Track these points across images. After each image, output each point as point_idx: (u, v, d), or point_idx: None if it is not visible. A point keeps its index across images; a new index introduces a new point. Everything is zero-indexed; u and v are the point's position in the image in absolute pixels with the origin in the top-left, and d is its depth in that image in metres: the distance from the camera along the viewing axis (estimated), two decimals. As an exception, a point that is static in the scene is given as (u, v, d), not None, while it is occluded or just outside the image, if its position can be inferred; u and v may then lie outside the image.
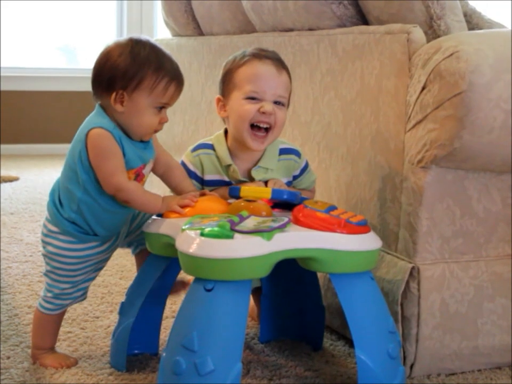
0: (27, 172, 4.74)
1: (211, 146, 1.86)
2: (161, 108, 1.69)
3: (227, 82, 1.83)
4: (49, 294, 1.78)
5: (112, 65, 1.65)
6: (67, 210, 1.71)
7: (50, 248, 1.75)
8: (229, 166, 1.83)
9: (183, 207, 1.69)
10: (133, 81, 1.64)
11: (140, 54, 1.65)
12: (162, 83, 1.66)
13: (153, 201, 1.69)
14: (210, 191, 1.80)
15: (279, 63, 1.81)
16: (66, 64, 6.06)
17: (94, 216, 1.70)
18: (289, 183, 1.88)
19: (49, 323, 1.81)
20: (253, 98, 1.77)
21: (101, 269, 1.84)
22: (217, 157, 1.84)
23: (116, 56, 1.65)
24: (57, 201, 1.73)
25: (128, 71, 1.64)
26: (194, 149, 1.86)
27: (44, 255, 1.78)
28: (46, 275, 1.79)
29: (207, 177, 1.85)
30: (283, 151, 1.88)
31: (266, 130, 1.79)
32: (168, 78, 1.66)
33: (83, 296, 1.83)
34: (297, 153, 1.89)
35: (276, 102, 1.78)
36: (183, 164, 1.85)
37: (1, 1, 5.57)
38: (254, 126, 1.78)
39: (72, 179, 1.69)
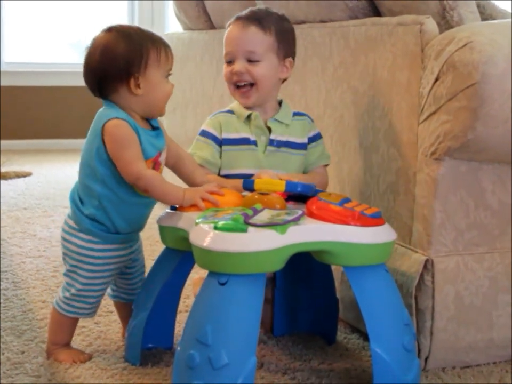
0: (40, 167, 4.75)
1: (230, 110, 1.93)
2: (168, 75, 1.74)
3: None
4: (66, 294, 1.78)
5: (115, 57, 1.67)
6: (88, 207, 1.71)
7: (70, 246, 1.75)
8: (249, 116, 1.88)
9: (204, 200, 1.67)
10: (141, 61, 1.67)
11: (132, 35, 1.69)
12: (162, 52, 1.70)
13: (174, 192, 1.68)
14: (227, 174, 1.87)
15: (247, 20, 1.87)
16: (79, 59, 6.06)
17: (116, 210, 1.71)
18: (304, 145, 1.92)
19: (65, 323, 1.81)
20: (229, 61, 1.88)
21: (113, 277, 1.83)
22: (237, 117, 1.90)
23: (113, 47, 1.68)
24: (77, 199, 1.73)
25: (132, 54, 1.67)
26: (213, 114, 1.94)
27: (64, 254, 1.78)
28: (66, 274, 1.79)
29: (225, 135, 1.89)
30: (296, 114, 1.96)
31: (251, 85, 1.86)
32: (162, 45, 1.71)
33: (94, 308, 1.81)
34: (309, 117, 1.97)
35: (249, 60, 1.85)
36: (203, 131, 1.91)
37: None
38: (237, 86, 1.88)
39: (90, 175, 1.69)
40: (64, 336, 1.83)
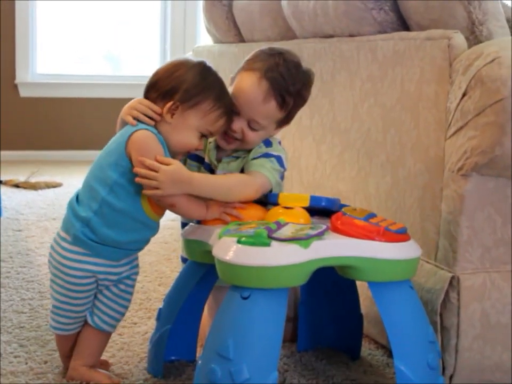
0: (71, 178, 4.76)
1: None
2: (203, 136, 1.70)
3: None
4: (50, 306, 1.76)
5: (179, 76, 1.67)
6: (86, 209, 1.66)
7: (54, 254, 1.70)
8: (209, 142, 1.83)
9: (227, 214, 1.67)
10: (194, 99, 1.66)
11: (209, 77, 1.70)
12: (216, 112, 1.68)
13: (198, 208, 1.68)
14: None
15: (272, 87, 1.72)
16: (111, 71, 6.11)
17: (113, 219, 1.65)
18: None
19: (58, 340, 1.80)
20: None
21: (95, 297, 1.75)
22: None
23: (186, 69, 1.68)
24: (75, 201, 1.70)
25: (193, 87, 1.66)
26: None
27: (48, 262, 1.73)
28: (50, 285, 1.75)
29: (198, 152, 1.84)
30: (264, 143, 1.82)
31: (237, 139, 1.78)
32: (223, 110, 1.69)
33: (77, 324, 1.75)
34: (267, 143, 1.82)
35: (249, 125, 1.75)
36: None
37: (47, 10, 5.66)
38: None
39: (99, 178, 1.67)
40: (66, 349, 1.80)
